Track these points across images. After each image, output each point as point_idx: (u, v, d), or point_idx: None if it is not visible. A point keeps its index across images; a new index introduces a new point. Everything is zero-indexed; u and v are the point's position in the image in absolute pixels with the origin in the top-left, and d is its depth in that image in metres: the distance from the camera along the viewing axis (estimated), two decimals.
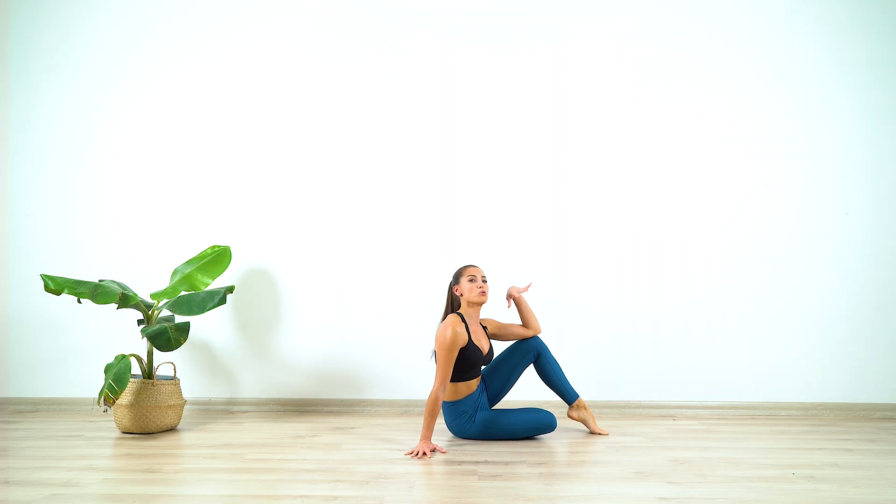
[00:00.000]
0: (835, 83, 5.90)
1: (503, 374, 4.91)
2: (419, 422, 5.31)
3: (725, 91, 5.93)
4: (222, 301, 5.20)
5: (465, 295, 4.73)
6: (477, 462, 4.11)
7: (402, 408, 5.80)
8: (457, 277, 4.80)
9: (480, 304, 4.75)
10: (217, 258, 5.58)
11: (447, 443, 4.63)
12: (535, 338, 4.96)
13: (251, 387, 5.90)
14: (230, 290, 5.30)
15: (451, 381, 4.64)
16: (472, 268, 4.78)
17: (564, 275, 5.86)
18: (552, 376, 4.91)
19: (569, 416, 5.02)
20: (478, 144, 5.96)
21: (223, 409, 5.86)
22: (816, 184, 5.85)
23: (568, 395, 4.95)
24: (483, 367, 4.91)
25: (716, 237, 5.85)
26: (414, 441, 4.61)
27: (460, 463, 4.09)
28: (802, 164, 5.86)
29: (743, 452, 4.37)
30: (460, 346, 4.55)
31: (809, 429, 5.19)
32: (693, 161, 5.90)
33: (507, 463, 4.08)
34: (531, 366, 5.05)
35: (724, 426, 5.28)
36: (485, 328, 4.92)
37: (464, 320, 4.67)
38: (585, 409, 4.98)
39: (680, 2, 5.97)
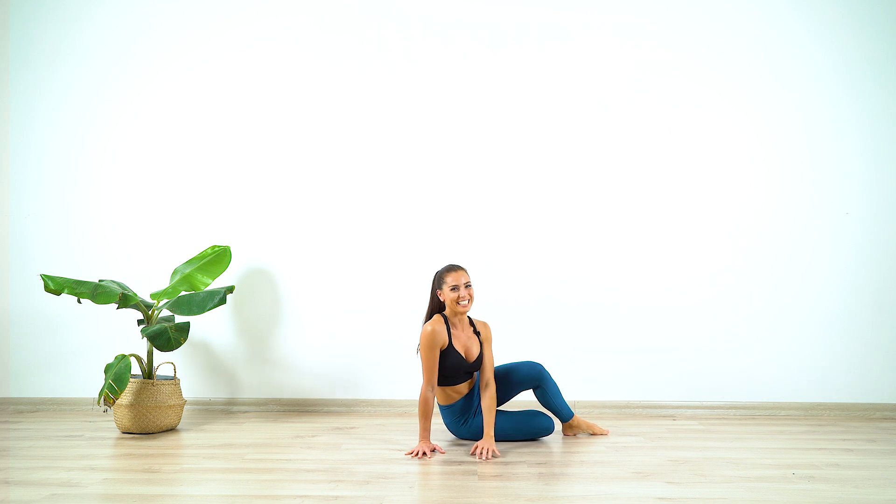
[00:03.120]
0: (835, 83, 5.89)
1: (500, 390, 4.81)
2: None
3: (724, 91, 5.92)
4: (222, 301, 5.20)
5: (447, 304, 4.60)
6: (477, 462, 4.11)
7: (402, 408, 5.80)
8: (438, 282, 4.66)
9: (462, 313, 4.63)
10: (217, 258, 5.59)
11: (447, 443, 4.63)
12: (538, 366, 4.80)
13: (251, 387, 5.90)
14: (230, 290, 5.30)
15: (439, 384, 4.62)
16: (453, 273, 4.59)
17: (564, 274, 5.86)
18: (551, 401, 4.78)
19: (565, 434, 4.95)
20: (478, 145, 5.95)
21: (223, 409, 5.86)
22: (816, 184, 5.84)
23: (563, 415, 4.85)
24: (475, 373, 4.79)
25: (715, 237, 5.84)
26: (414, 441, 4.61)
27: (460, 463, 4.10)
28: (802, 165, 5.85)
29: (743, 452, 4.37)
30: (440, 347, 4.51)
31: (809, 429, 5.19)
32: (694, 161, 5.89)
33: (507, 463, 4.08)
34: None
35: (724, 426, 5.28)
36: (478, 333, 4.76)
37: (447, 322, 4.61)
38: (579, 425, 4.95)
39: (681, 1, 5.97)
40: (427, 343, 4.47)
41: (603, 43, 5.96)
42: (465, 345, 4.64)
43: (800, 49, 5.91)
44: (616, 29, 5.96)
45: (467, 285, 4.58)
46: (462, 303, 4.54)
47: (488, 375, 4.64)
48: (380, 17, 6.02)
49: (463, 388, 4.67)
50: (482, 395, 4.60)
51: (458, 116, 5.97)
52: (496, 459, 4.17)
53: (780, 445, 4.60)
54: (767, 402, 5.74)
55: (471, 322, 4.79)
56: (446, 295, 4.57)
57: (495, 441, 4.53)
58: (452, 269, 4.62)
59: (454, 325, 4.64)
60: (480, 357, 4.68)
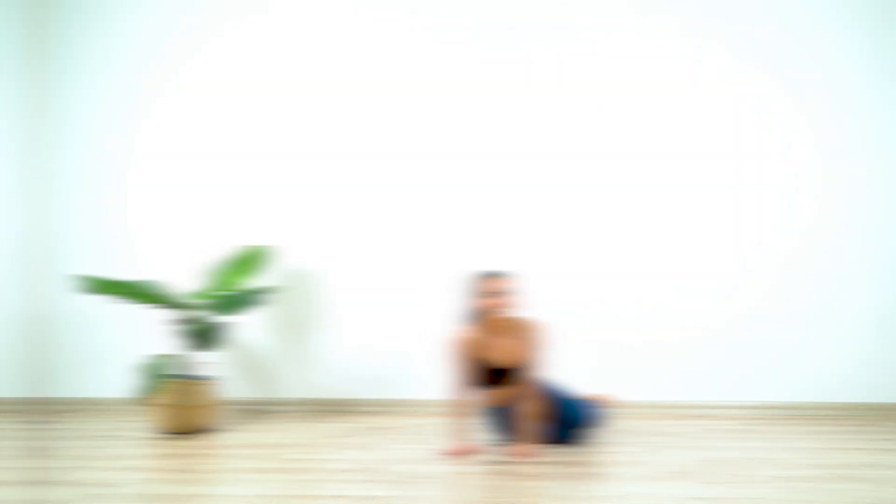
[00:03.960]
0: (869, 84, 5.83)
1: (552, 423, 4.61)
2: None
3: (749, 83, 5.86)
4: (261, 301, 5.23)
5: (484, 309, 4.42)
6: (513, 462, 4.11)
7: (438, 407, 5.79)
8: (474, 287, 4.48)
9: (499, 318, 4.45)
10: (256, 258, 5.59)
11: (484, 442, 4.61)
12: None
13: (290, 387, 5.92)
14: (269, 290, 5.32)
15: (476, 387, 4.50)
16: (492, 280, 4.41)
17: (598, 272, 5.82)
18: None
19: None
20: (516, 151, 5.94)
21: (262, 410, 5.87)
22: (854, 173, 5.77)
23: None
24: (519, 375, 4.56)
25: (753, 231, 5.78)
26: (450, 441, 4.59)
27: (496, 463, 4.09)
28: (837, 158, 5.78)
29: (781, 452, 4.33)
30: (468, 355, 4.42)
31: (848, 428, 5.13)
32: (724, 154, 5.84)
33: (542, 463, 4.07)
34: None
35: (762, 426, 5.23)
36: (525, 334, 4.51)
37: (482, 328, 4.47)
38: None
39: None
40: (452, 350, 4.43)
41: (620, 45, 5.93)
42: (505, 349, 4.46)
43: (830, 43, 5.84)
44: (633, 29, 5.92)
45: (504, 293, 4.38)
46: (498, 309, 4.37)
47: (532, 378, 4.49)
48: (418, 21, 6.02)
49: (503, 391, 4.52)
50: (523, 399, 4.48)
51: (489, 117, 5.96)
52: (532, 459, 4.16)
53: (819, 445, 4.56)
54: (806, 402, 5.67)
55: (518, 323, 4.55)
56: (483, 300, 4.40)
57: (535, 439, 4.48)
58: (491, 275, 4.44)
59: (492, 329, 4.47)
60: (520, 362, 4.49)
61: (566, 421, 4.64)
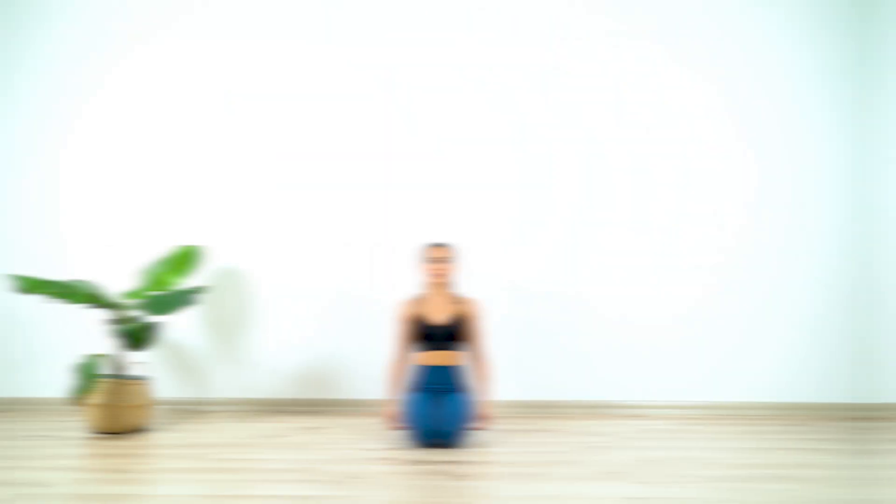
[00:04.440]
0: (807, 83, 5.93)
1: None
2: None
3: (703, 93, 5.96)
4: (193, 301, 5.19)
5: (424, 274, 4.87)
6: (449, 462, 4.12)
7: (372, 407, 5.80)
8: (421, 256, 4.89)
9: (435, 284, 4.83)
10: (187, 258, 5.57)
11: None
12: None
13: (222, 386, 5.88)
14: (201, 289, 5.28)
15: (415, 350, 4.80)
16: (433, 248, 4.81)
17: (535, 270, 5.88)
18: None
19: None
20: (440, 135, 5.97)
21: (194, 409, 5.83)
22: (790, 183, 5.87)
23: None
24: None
25: (688, 237, 5.87)
26: (387, 441, 4.61)
27: (433, 462, 4.10)
28: (773, 168, 5.89)
29: (713, 452, 4.40)
30: (409, 320, 4.80)
31: (779, 428, 5.22)
32: (661, 161, 5.93)
33: (479, 462, 4.09)
34: None
35: (695, 426, 5.31)
36: (461, 305, 4.82)
37: (424, 296, 4.86)
38: None
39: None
40: (397, 318, 4.87)
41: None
42: (436, 312, 4.79)
43: (771, 51, 5.94)
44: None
45: (444, 260, 4.79)
46: (434, 272, 4.79)
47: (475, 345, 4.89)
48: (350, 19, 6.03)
49: (442, 352, 4.75)
50: (473, 361, 4.90)
51: (425, 113, 5.99)
52: (468, 458, 4.17)
53: (751, 445, 4.63)
54: (739, 403, 5.77)
55: (455, 297, 4.89)
56: (424, 266, 4.84)
57: None
58: (434, 244, 4.86)
59: (429, 296, 4.85)
60: (453, 325, 4.74)
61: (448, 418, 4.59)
